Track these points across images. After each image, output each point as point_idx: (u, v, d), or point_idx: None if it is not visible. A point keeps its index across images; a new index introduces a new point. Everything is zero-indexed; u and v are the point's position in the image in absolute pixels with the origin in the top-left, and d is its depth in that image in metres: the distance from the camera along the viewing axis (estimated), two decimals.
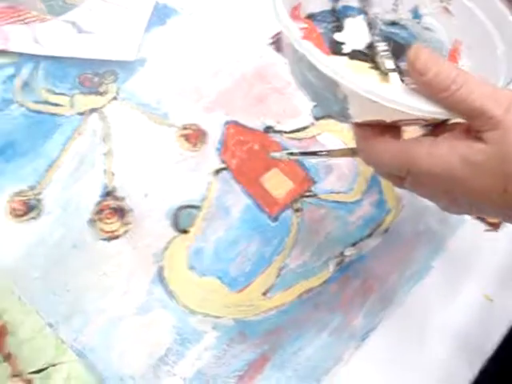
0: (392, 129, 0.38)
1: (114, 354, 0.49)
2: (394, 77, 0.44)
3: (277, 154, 0.55)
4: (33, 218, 0.54)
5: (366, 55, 0.47)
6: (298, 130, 0.62)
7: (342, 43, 0.48)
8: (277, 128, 0.62)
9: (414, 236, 0.58)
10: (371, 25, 0.47)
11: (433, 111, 0.34)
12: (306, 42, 0.35)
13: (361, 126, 0.39)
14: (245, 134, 0.61)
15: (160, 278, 0.53)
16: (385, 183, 0.60)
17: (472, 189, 0.34)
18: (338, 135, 0.62)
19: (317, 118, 0.63)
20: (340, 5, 0.49)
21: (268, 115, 0.63)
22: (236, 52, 0.67)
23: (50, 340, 0.49)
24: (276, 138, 0.62)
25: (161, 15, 0.69)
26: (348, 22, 0.48)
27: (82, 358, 0.49)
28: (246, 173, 0.59)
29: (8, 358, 0.48)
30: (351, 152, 0.49)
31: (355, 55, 0.47)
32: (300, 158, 0.58)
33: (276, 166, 0.59)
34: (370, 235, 0.57)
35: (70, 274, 0.52)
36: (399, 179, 0.39)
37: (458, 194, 0.36)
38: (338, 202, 0.58)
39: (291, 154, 0.54)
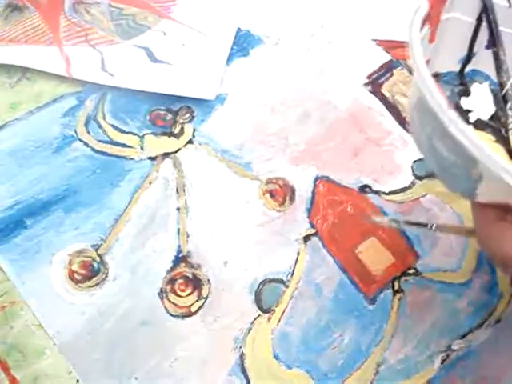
0: None
1: None
2: None
3: (378, 219, 0.47)
4: (96, 284, 0.46)
5: (491, 127, 0.41)
6: (398, 191, 0.54)
7: (469, 111, 0.41)
8: (374, 188, 0.54)
9: None
10: (506, 97, 0.41)
11: None
12: (452, 113, 0.30)
13: (483, 207, 0.36)
14: (338, 192, 0.53)
15: (241, 368, 0.45)
16: None
17: None
18: (445, 198, 0.53)
19: (419, 177, 0.55)
20: (469, 68, 0.44)
21: (364, 172, 0.54)
22: (327, 92, 0.59)
23: None
24: (373, 199, 0.53)
25: (243, 44, 0.60)
26: (474, 88, 0.43)
27: None
28: (338, 241, 0.51)
29: None
30: (466, 231, 0.46)
31: (480, 125, 0.41)
32: (404, 227, 0.50)
33: (374, 234, 0.51)
34: (480, 325, 0.49)
35: (137, 357, 0.44)
36: None
37: None
38: (444, 282, 0.50)
39: (395, 221, 0.46)
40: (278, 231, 0.51)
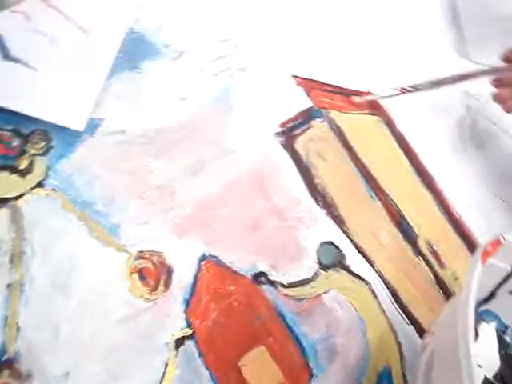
0: None
1: None
2: None
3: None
4: None
5: None
6: (299, 284, 0.44)
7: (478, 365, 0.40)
8: (271, 276, 0.43)
9: None
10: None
11: None
12: None
13: None
14: (227, 280, 0.42)
15: None
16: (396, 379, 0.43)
17: None
18: (349, 297, 0.44)
19: (324, 267, 0.45)
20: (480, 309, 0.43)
21: (261, 253, 0.43)
22: (230, 138, 0.46)
23: None
24: (268, 292, 0.42)
25: (133, 52, 0.46)
26: (482, 329, 0.42)
27: None
28: (219, 348, 0.40)
29: None
30: None
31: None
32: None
33: (263, 341, 0.41)
34: None
35: None
36: None
37: None
38: None
39: None
40: (144, 332, 0.38)
